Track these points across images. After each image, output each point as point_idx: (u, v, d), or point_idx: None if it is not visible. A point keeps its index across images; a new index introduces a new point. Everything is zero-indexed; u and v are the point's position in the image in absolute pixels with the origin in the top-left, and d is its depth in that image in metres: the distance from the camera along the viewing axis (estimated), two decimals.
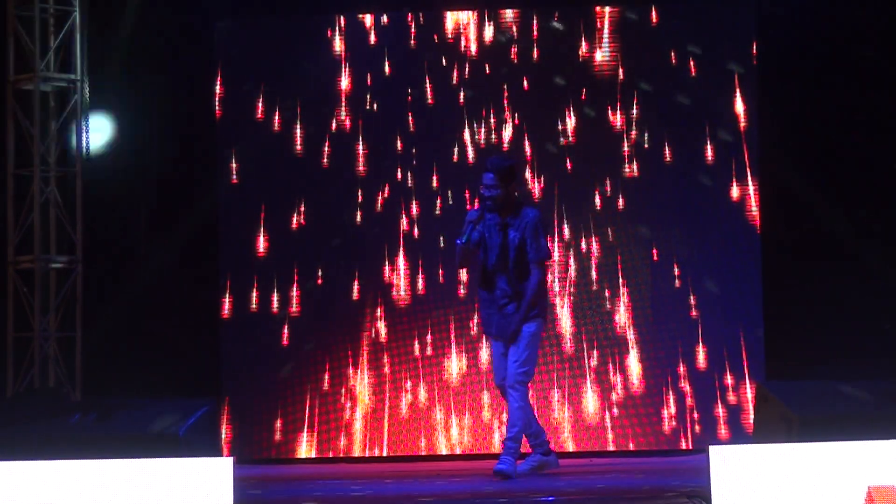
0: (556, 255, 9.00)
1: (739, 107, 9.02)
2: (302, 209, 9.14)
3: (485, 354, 8.82)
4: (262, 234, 9.11)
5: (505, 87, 9.13)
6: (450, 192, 9.05)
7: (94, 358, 8.88)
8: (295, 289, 9.08)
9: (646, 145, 9.05)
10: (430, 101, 9.16)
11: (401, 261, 9.08)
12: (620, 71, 9.09)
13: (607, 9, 9.12)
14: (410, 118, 9.16)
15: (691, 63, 9.07)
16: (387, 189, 9.13)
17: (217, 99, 9.18)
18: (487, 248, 7.11)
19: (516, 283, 7.09)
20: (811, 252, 8.83)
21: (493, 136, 9.09)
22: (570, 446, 8.89)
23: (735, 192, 8.99)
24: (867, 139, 8.89)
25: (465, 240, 7.04)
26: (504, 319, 7.10)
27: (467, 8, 9.18)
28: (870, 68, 8.89)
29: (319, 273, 9.09)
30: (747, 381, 8.84)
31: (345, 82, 9.20)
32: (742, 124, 9.01)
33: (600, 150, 9.07)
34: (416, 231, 9.04)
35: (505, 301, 7.11)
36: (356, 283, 9.06)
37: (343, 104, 9.18)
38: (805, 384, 6.74)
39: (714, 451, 5.11)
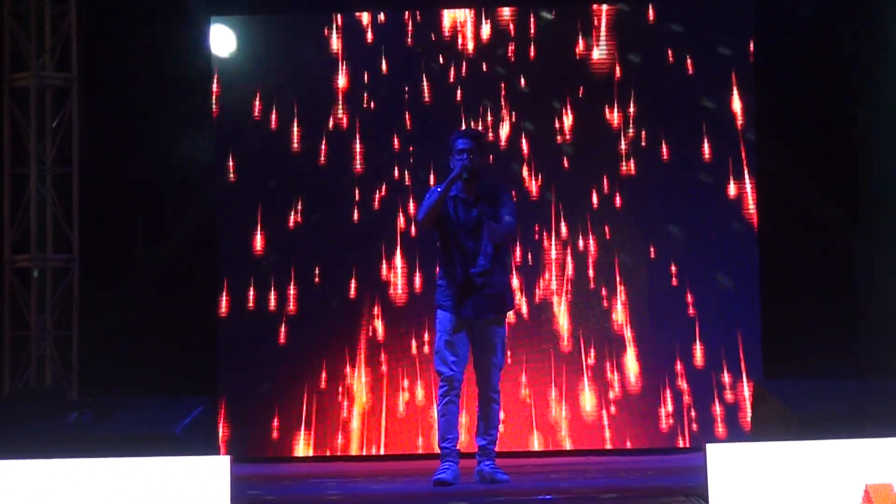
0: (553, 254, 9.00)
1: (737, 104, 9.01)
2: (299, 207, 9.13)
3: None
4: (259, 233, 9.11)
5: (502, 84, 9.13)
6: None
7: (91, 356, 8.88)
8: (292, 287, 9.07)
9: (643, 143, 9.05)
10: (427, 99, 9.16)
11: (398, 259, 9.07)
12: (617, 69, 9.09)
13: (604, 6, 9.12)
14: (407, 116, 9.15)
15: (688, 60, 9.07)
16: (384, 187, 9.13)
17: (214, 97, 9.17)
18: (458, 225, 6.70)
19: (491, 258, 6.70)
20: (808, 250, 8.83)
21: (491, 134, 9.09)
22: (568, 444, 8.90)
23: (732, 189, 8.99)
24: (865, 138, 8.89)
25: (449, 183, 6.59)
26: (485, 300, 6.70)
27: (464, 6, 9.18)
28: (869, 67, 8.89)
29: (317, 271, 9.08)
30: (745, 380, 8.84)
31: (342, 80, 9.19)
32: (739, 122, 9.01)
33: (597, 148, 9.07)
34: (413, 229, 9.03)
35: (482, 279, 6.69)
36: (353, 281, 9.06)
37: (340, 102, 9.17)
38: (802, 382, 6.74)
39: (711, 449, 5.11)
